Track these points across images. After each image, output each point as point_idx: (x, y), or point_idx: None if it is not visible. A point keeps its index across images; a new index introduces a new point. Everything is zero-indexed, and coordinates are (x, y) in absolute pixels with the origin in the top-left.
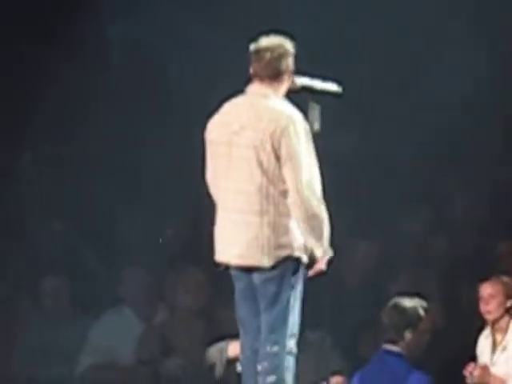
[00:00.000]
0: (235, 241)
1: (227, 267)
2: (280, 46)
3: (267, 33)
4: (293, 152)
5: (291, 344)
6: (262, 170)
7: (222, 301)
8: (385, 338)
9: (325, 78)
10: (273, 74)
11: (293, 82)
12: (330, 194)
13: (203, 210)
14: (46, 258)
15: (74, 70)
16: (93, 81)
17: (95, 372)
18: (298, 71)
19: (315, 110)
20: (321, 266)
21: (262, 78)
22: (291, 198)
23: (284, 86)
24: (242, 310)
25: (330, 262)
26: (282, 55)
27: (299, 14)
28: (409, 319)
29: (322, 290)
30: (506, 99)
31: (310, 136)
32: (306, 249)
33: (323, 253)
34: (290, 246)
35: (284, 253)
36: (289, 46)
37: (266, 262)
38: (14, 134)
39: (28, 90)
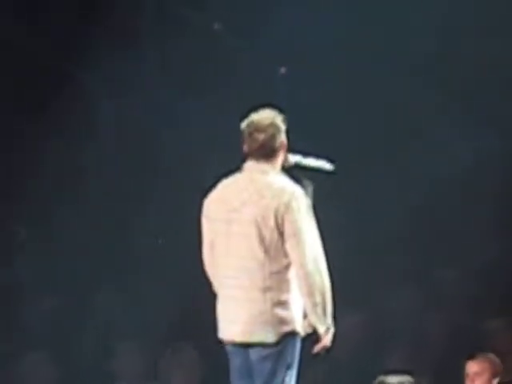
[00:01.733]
0: (238, 318)
1: (222, 343)
2: (272, 125)
3: (257, 108)
4: (296, 228)
5: None
6: (265, 246)
7: (215, 379)
8: None
9: (317, 156)
10: (268, 154)
11: (286, 159)
12: None
13: (197, 287)
14: (33, 335)
15: (63, 146)
16: (82, 157)
17: None
18: (291, 149)
19: (308, 187)
20: (325, 342)
21: (257, 158)
22: (296, 273)
23: (280, 161)
24: None
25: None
26: (274, 134)
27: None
28: None
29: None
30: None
31: (311, 211)
32: (309, 324)
33: (326, 329)
34: (292, 321)
35: (287, 328)
36: (279, 121)
37: (271, 337)
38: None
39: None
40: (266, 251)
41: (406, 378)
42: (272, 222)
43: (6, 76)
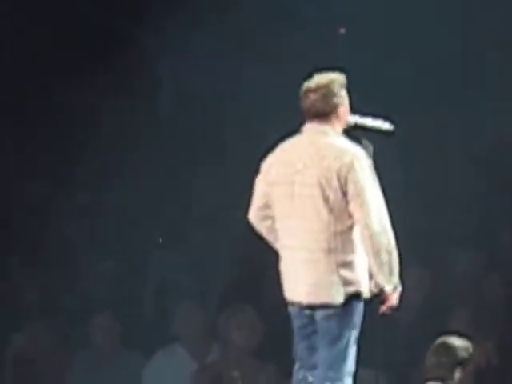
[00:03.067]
0: (305, 279)
1: (284, 305)
2: (324, 86)
3: (319, 70)
4: (360, 188)
5: (348, 381)
6: (329, 207)
7: (274, 338)
8: (431, 376)
9: (376, 116)
10: (320, 114)
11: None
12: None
13: (255, 248)
14: (97, 296)
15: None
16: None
17: None
18: (351, 110)
19: (368, 148)
20: (392, 301)
21: (311, 118)
22: (361, 234)
23: (339, 123)
24: (299, 346)
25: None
26: (326, 95)
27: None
28: (460, 358)
29: (375, 326)
30: None
31: (374, 171)
32: (375, 285)
33: (393, 288)
34: (357, 282)
35: (352, 289)
36: (335, 83)
37: (337, 299)
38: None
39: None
40: (331, 212)
41: (468, 343)
42: (335, 183)
43: (68, 35)
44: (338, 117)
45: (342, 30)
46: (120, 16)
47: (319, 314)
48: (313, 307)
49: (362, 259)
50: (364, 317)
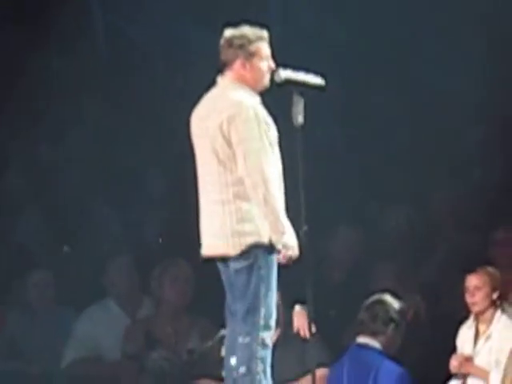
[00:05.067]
0: (206, 231)
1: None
2: (232, 36)
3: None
4: (242, 138)
5: (264, 335)
6: (218, 158)
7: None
8: (362, 330)
9: (308, 71)
10: (223, 63)
11: (276, 74)
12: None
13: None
14: (31, 253)
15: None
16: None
17: (80, 366)
18: (282, 64)
19: (299, 103)
20: (285, 255)
21: (221, 67)
22: (245, 183)
23: (247, 75)
24: (228, 298)
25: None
26: (230, 44)
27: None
28: (394, 314)
29: (305, 280)
30: None
31: (264, 121)
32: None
33: (282, 247)
34: (256, 232)
35: (250, 240)
36: (239, 36)
37: (232, 250)
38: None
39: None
40: (221, 164)
41: (402, 303)
42: (220, 135)
43: None
44: (242, 68)
45: None
46: None
47: (231, 267)
48: (224, 260)
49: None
50: (279, 269)
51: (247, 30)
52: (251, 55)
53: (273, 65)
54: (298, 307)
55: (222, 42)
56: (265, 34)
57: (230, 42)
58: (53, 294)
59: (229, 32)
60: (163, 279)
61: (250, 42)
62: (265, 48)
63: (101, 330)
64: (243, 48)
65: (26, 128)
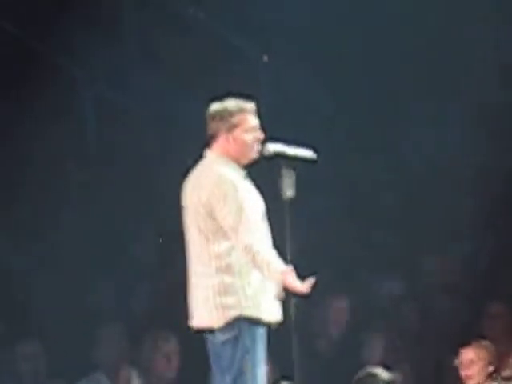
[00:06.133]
0: (192, 303)
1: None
2: (215, 110)
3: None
4: (224, 213)
5: None
6: (201, 232)
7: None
8: None
9: (299, 144)
10: (209, 136)
11: (265, 148)
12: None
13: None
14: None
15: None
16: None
17: None
18: (272, 137)
19: (288, 176)
20: (292, 287)
21: (208, 140)
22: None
23: (231, 148)
24: (213, 372)
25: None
26: (213, 117)
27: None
28: None
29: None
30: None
31: (239, 185)
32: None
33: (280, 279)
34: (238, 305)
35: (233, 313)
36: (222, 110)
37: (216, 323)
38: None
39: None
40: (203, 236)
41: (393, 375)
42: (202, 209)
43: None
44: (225, 141)
45: (265, 58)
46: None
47: (216, 340)
48: (211, 332)
49: (246, 282)
50: (269, 341)
51: (229, 103)
52: (233, 127)
53: (261, 136)
54: None
55: (206, 115)
56: (249, 105)
57: (212, 115)
58: (44, 366)
59: (213, 105)
60: (154, 353)
61: (232, 114)
62: (248, 119)
63: None
64: (224, 120)
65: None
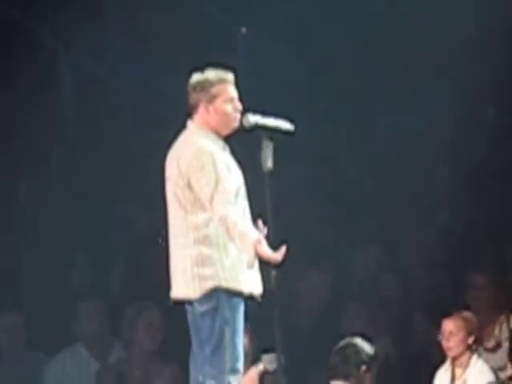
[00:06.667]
0: (172, 274)
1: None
2: (196, 80)
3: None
4: (202, 184)
5: (229, 379)
6: (180, 203)
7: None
8: (335, 374)
9: (277, 116)
10: (190, 107)
11: (245, 119)
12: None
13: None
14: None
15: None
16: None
17: None
18: (251, 109)
19: (268, 148)
20: (263, 255)
21: (189, 111)
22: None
23: (211, 118)
24: (192, 342)
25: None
26: (194, 88)
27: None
28: (365, 356)
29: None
30: None
31: (226, 167)
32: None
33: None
34: (216, 276)
35: (210, 284)
36: (204, 78)
37: (193, 294)
38: None
39: None
40: (181, 207)
41: (372, 346)
42: (181, 180)
43: None
44: (205, 112)
45: (244, 30)
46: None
47: (196, 311)
48: (190, 303)
49: (224, 254)
50: (246, 313)
51: (210, 73)
52: (213, 97)
53: (239, 106)
54: (265, 357)
55: (188, 86)
56: (229, 76)
57: (193, 86)
58: (23, 338)
59: (193, 76)
60: (137, 323)
61: (212, 84)
62: (228, 90)
63: (72, 375)
64: (205, 91)
65: None
